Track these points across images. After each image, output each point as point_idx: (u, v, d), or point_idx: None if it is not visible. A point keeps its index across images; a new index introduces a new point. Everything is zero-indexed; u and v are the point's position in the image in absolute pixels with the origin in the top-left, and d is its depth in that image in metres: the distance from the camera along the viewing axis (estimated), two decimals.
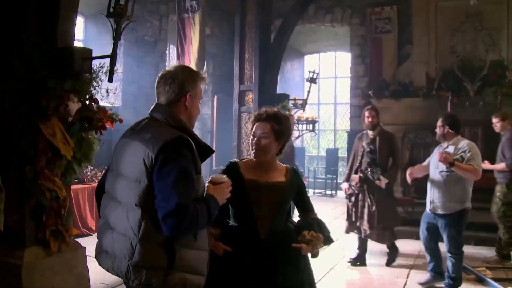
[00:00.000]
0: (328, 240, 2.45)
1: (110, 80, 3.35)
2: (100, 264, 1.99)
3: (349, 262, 5.57)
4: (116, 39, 3.23)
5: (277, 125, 2.39)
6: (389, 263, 5.52)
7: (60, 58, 3.36)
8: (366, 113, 5.41)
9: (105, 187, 2.08)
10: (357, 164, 5.43)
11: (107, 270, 1.93)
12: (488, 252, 6.00)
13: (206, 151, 1.96)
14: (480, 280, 4.94)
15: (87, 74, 3.51)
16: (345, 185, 5.63)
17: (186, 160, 1.81)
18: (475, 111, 8.50)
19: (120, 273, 1.84)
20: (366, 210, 5.33)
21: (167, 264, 1.78)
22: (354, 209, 5.45)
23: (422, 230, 4.65)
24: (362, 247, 5.59)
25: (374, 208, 5.27)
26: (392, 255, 5.56)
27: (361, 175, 5.34)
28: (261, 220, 2.34)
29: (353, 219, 5.46)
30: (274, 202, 2.37)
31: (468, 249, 5.95)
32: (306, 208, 2.54)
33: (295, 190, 2.49)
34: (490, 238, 6.12)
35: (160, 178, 1.76)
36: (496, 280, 4.85)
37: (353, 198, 5.47)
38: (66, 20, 3.51)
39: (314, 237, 2.32)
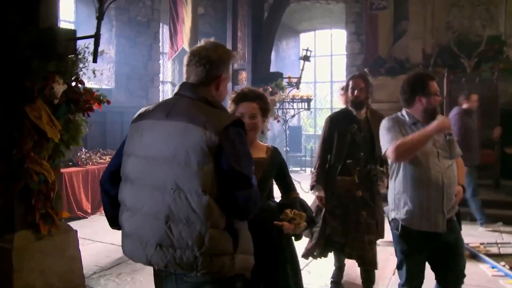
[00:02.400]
0: (311, 221, 2.43)
1: (94, 60, 3.30)
2: (150, 262, 1.77)
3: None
4: (99, 18, 3.17)
5: (263, 103, 2.42)
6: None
7: (43, 39, 3.30)
8: (351, 83, 3.67)
9: (128, 176, 1.85)
10: (342, 160, 3.65)
11: (164, 267, 1.74)
12: (484, 228, 6.04)
13: None
14: (473, 256, 4.95)
15: (72, 55, 3.45)
16: (320, 192, 3.71)
17: (247, 142, 1.81)
18: (471, 87, 8.42)
19: (184, 266, 1.69)
20: (362, 228, 3.59)
21: (233, 248, 1.73)
22: (340, 227, 3.66)
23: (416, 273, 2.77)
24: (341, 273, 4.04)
25: (374, 222, 3.62)
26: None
27: (354, 177, 3.58)
28: None
29: (336, 238, 3.70)
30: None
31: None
32: (288, 187, 2.52)
33: (276, 168, 2.46)
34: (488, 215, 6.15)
35: (233, 162, 1.69)
36: (490, 256, 4.89)
37: (338, 211, 3.67)
38: (49, 0, 3.43)
39: (297, 215, 2.28)
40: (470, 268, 4.57)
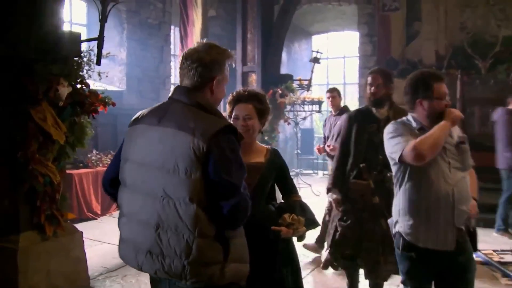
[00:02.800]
0: (312, 223, 2.37)
1: (98, 63, 3.31)
2: (141, 269, 1.77)
3: None
4: (102, 21, 3.18)
5: (259, 104, 2.35)
6: None
7: (47, 42, 3.32)
8: (369, 79, 3.42)
9: (125, 181, 1.84)
10: (359, 162, 3.35)
11: (154, 274, 1.74)
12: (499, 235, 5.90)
13: None
14: (485, 263, 4.79)
15: (76, 58, 3.47)
16: (337, 195, 3.47)
17: (238, 149, 1.74)
18: (485, 89, 8.26)
19: (172, 274, 1.68)
20: (378, 239, 3.28)
21: (223, 257, 1.69)
22: (349, 235, 3.39)
23: None
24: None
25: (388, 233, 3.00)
26: None
27: (369, 181, 3.29)
28: None
29: (347, 251, 3.43)
30: (251, 184, 2.29)
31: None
32: (289, 190, 2.46)
33: (275, 171, 2.40)
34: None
35: (221, 170, 1.65)
36: (503, 264, 4.71)
37: (351, 218, 3.40)
38: (53, 2, 3.45)
39: (295, 220, 2.24)
40: (482, 276, 4.45)
